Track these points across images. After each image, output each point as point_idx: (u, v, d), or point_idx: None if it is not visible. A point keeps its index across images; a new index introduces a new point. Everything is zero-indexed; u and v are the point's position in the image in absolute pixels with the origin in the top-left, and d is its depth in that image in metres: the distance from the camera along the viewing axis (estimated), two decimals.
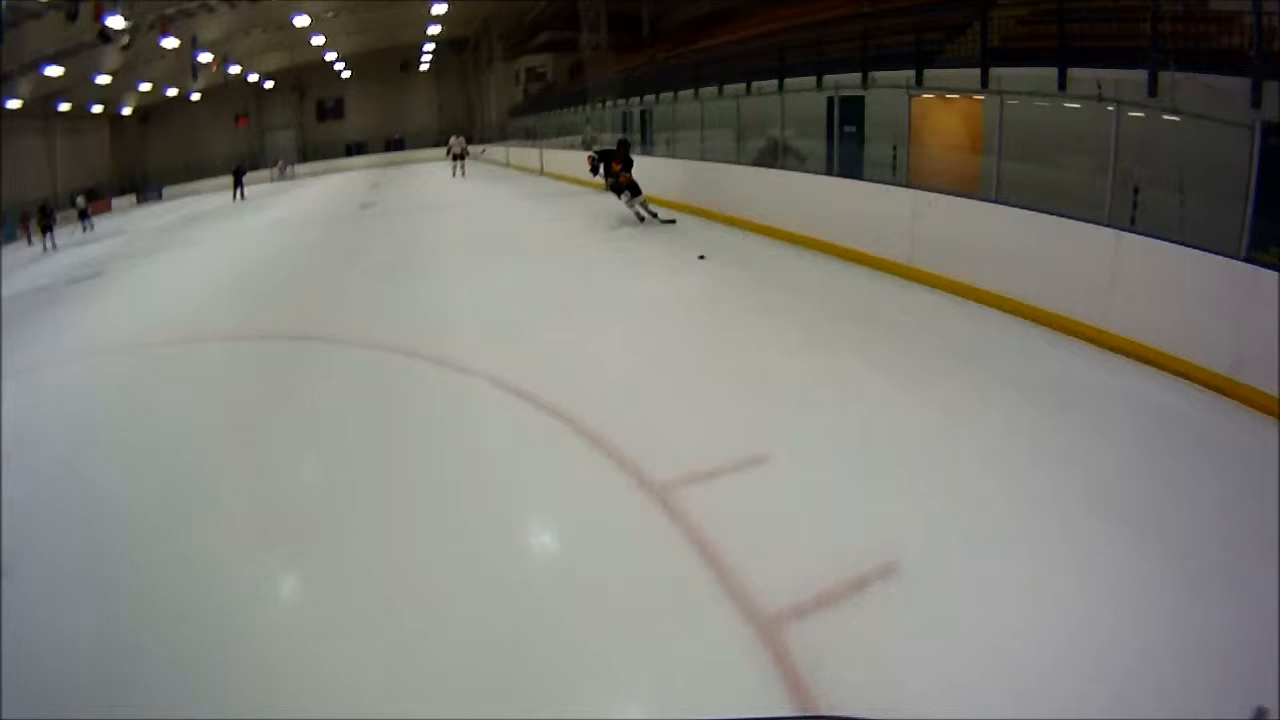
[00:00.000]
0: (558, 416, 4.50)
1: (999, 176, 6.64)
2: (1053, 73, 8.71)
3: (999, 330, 5.70)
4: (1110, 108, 5.97)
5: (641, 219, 11.22)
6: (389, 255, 11.29)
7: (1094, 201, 6.02)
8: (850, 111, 10.21)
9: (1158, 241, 4.99)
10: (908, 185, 7.54)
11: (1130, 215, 5.92)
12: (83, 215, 22.30)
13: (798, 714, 2.25)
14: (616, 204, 11.69)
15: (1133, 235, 5.18)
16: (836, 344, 5.58)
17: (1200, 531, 3.02)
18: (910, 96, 7.78)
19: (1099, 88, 6.55)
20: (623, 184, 11.19)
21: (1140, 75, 7.33)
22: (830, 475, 3.68)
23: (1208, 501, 3.23)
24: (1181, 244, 4.80)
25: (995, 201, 6.50)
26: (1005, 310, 6.00)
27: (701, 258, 8.70)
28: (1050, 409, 4.26)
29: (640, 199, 11.16)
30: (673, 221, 11.05)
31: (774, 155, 10.66)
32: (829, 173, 9.93)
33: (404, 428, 4.74)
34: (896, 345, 5.44)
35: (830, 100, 10.25)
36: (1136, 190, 5.99)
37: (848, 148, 9.70)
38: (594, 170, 11.80)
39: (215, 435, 4.91)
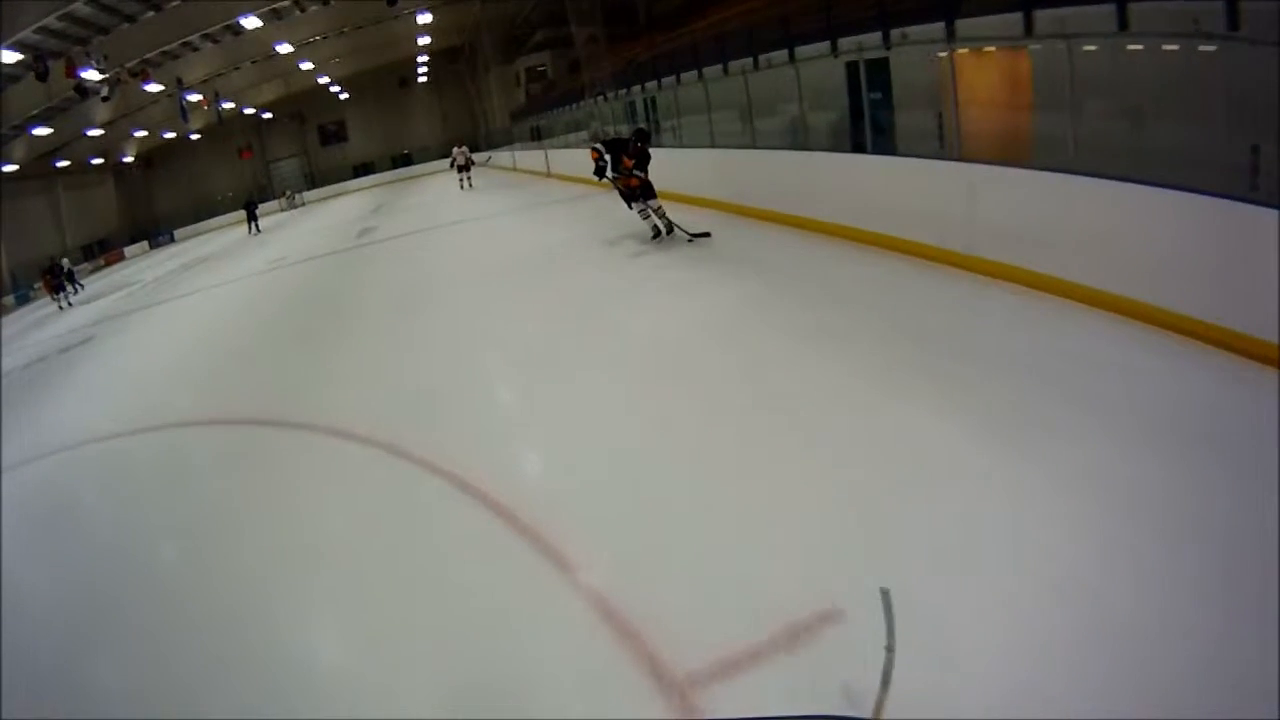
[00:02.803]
0: (537, 546, 3.30)
1: (1075, 140, 5.36)
2: (1108, 10, 7.42)
3: (1104, 348, 4.24)
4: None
5: (657, 233, 9.12)
6: (375, 297, 10.20)
7: (1192, 162, 4.75)
8: (874, 77, 8.87)
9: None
10: (960, 159, 6.26)
11: (1251, 182, 4.62)
12: (70, 278, 22.07)
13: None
14: (628, 212, 9.68)
15: (1257, 208, 3.82)
16: (911, 390, 4.10)
17: None
18: (953, 52, 6.44)
19: (1196, 22, 5.20)
20: (634, 188, 8.92)
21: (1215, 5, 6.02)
22: (943, 642, 2.32)
23: None
24: None
25: (1068, 173, 5.16)
26: (1100, 308, 4.72)
27: (707, 234, 8.78)
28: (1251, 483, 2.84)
29: (654, 204, 9.03)
30: (707, 234, 8.80)
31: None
32: (856, 150, 8.68)
33: (327, 569, 3.69)
34: (984, 387, 4.00)
35: (853, 66, 8.89)
36: (1255, 150, 4.66)
37: (877, 119, 8.41)
38: (599, 171, 9.28)
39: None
